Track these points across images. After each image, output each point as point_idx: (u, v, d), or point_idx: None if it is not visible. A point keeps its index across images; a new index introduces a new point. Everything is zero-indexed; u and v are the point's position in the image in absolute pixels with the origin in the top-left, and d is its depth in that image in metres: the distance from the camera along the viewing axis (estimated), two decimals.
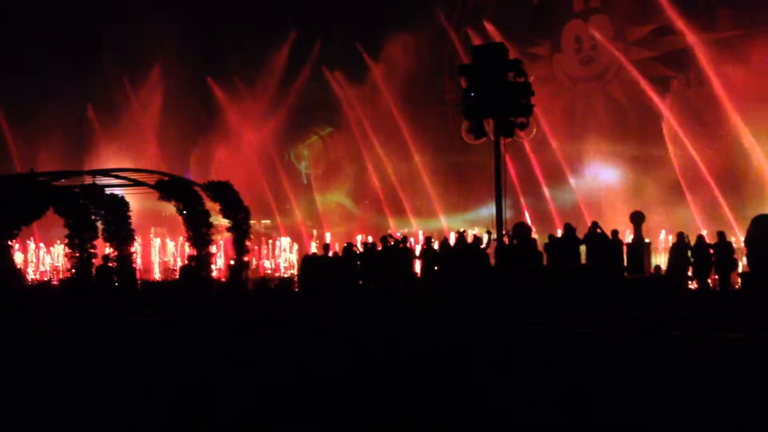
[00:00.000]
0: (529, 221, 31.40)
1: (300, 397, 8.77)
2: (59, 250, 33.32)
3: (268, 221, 40.89)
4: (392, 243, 21.96)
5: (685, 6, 35.69)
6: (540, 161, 36.62)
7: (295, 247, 34.95)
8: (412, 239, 26.19)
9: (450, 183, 39.61)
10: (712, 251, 19.53)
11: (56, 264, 33.57)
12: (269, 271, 32.19)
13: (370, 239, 28.51)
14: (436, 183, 39.29)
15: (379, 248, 22.21)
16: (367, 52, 40.12)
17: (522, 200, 36.15)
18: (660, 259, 24.40)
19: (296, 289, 22.80)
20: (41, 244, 34.77)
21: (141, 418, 8.16)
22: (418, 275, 22.40)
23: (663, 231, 28.73)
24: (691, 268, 19.77)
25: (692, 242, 19.99)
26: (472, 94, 21.48)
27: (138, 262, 26.43)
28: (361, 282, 21.69)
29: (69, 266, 21.28)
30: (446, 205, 39.27)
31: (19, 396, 9.23)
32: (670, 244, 20.67)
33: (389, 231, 31.21)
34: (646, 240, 21.87)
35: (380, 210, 40.68)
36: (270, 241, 36.00)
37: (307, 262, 22.86)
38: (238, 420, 7.99)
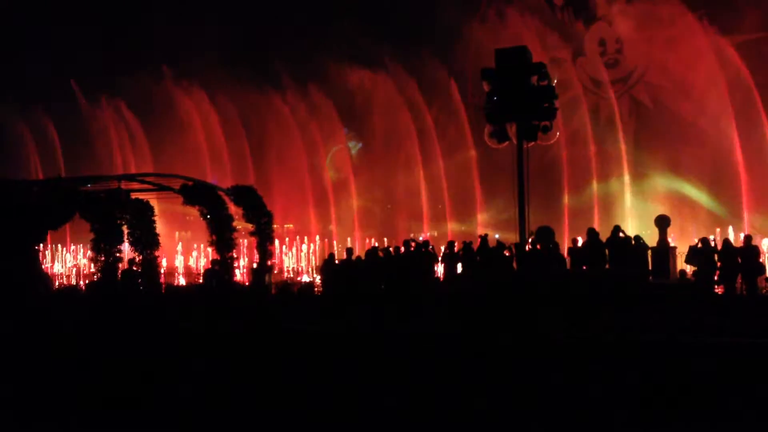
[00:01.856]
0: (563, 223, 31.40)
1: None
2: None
3: (291, 225, 41.08)
4: (414, 247, 21.94)
5: (713, 7, 35.40)
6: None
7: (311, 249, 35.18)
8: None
9: (480, 184, 39.51)
10: (739, 258, 19.25)
11: (80, 266, 34.02)
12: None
13: (383, 242, 28.49)
14: (466, 185, 39.23)
15: (402, 252, 22.19)
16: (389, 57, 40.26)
17: (566, 199, 36.05)
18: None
19: (318, 293, 22.80)
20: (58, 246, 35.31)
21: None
22: (441, 279, 22.36)
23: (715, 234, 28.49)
24: (717, 273, 19.50)
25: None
26: (495, 98, 21.40)
27: (162, 265, 26.64)
28: (383, 286, 21.66)
29: (94, 270, 21.53)
30: (471, 209, 39.15)
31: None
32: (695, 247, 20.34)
33: (411, 235, 31.18)
34: (672, 244, 21.63)
35: (408, 213, 40.64)
36: (289, 243, 36.18)
37: (328, 266, 22.87)
38: None
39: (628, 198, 36.18)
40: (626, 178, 36.49)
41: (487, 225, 36.12)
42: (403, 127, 39.94)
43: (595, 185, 36.57)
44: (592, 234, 20.66)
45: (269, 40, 44.87)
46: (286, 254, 35.09)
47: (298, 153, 42.05)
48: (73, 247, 36.07)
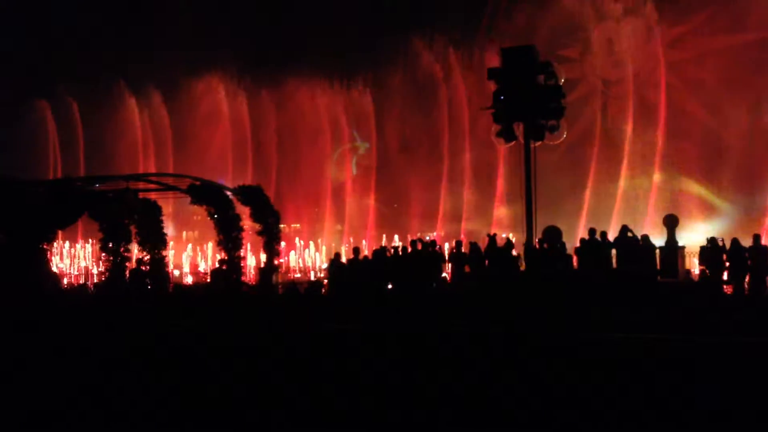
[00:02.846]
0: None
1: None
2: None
3: (298, 225, 41.14)
4: (421, 246, 21.92)
5: (724, 4, 35.33)
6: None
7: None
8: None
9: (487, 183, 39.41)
10: (747, 255, 19.18)
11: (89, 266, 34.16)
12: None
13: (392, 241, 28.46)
14: (485, 183, 39.22)
15: (410, 251, 22.18)
16: (393, 57, 40.28)
17: (587, 195, 36.06)
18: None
19: (325, 293, 22.81)
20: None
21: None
22: (448, 279, 22.35)
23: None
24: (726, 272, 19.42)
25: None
26: (502, 98, 21.36)
27: (170, 265, 26.75)
28: (391, 285, 21.66)
29: (103, 269, 21.64)
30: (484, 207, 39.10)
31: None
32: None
33: (419, 234, 31.15)
34: (681, 244, 21.55)
35: (421, 212, 40.58)
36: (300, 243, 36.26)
37: (335, 265, 22.87)
38: None
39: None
40: (656, 176, 36.39)
41: (501, 224, 36.02)
42: (426, 124, 39.85)
43: (622, 181, 36.47)
44: (592, 234, 20.68)
45: (285, 38, 44.88)
46: (299, 255, 35.12)
47: (309, 152, 42.14)
48: (81, 246, 36.16)
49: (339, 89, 42.19)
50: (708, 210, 35.66)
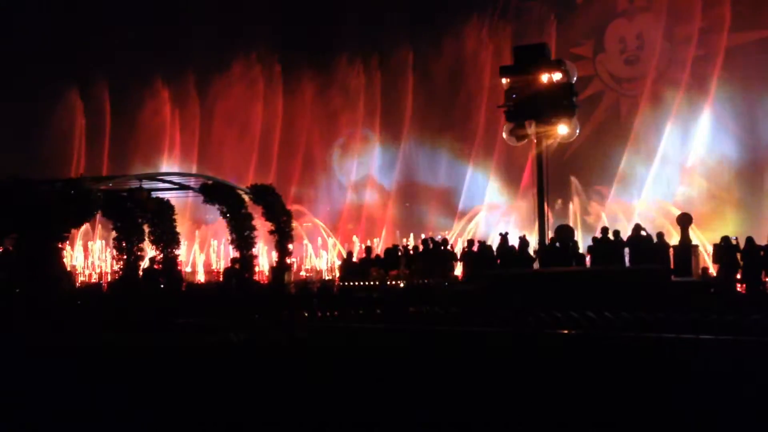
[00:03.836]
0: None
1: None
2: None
3: (310, 224, 41.15)
4: (432, 245, 21.91)
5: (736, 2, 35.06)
6: None
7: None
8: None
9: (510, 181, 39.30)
10: (763, 253, 19.02)
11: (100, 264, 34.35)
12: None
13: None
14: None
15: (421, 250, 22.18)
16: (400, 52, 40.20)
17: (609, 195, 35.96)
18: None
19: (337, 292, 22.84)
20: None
21: None
22: (459, 277, 22.32)
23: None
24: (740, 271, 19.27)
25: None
26: (514, 96, 21.32)
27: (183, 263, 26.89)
28: (401, 284, 21.65)
29: (117, 268, 21.79)
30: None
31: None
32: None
33: (430, 233, 31.11)
34: (694, 242, 21.40)
35: (433, 211, 40.48)
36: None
37: (348, 264, 22.92)
38: None
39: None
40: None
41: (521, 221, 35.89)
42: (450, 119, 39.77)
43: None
44: (605, 232, 20.58)
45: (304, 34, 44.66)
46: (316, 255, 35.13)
47: (321, 148, 42.19)
48: (99, 243, 36.21)
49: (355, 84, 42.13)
50: (728, 208, 35.37)
